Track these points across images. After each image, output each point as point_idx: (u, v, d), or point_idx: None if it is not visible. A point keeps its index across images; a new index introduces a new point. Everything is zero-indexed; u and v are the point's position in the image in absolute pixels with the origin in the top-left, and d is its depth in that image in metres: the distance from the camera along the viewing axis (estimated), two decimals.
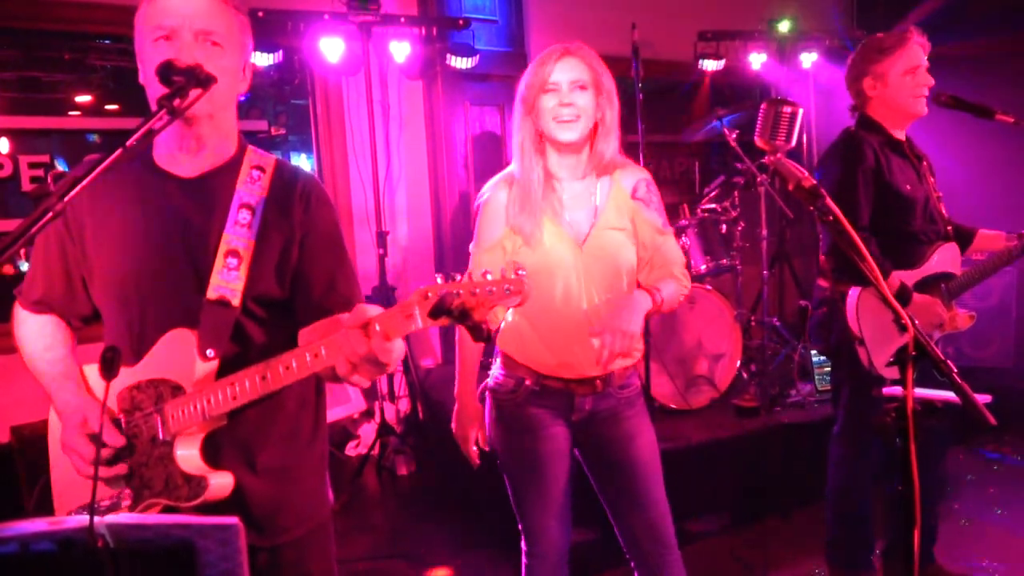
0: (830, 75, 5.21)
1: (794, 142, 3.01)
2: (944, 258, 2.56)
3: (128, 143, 1.15)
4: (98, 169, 1.13)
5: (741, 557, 3.12)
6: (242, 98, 1.55)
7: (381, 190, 4.33)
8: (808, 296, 4.21)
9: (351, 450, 4.28)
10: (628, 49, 3.85)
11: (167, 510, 1.38)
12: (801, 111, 2.98)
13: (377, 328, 1.16)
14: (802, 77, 5.45)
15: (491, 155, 4.75)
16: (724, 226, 4.18)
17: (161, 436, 1.38)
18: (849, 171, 2.46)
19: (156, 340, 1.41)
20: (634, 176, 1.99)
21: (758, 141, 3.03)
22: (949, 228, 2.61)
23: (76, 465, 1.42)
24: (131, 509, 1.42)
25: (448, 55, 4.38)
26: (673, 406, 3.67)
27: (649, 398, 3.31)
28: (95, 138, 4.27)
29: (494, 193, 1.94)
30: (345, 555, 3.09)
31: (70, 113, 4.24)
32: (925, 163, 2.63)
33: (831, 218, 1.42)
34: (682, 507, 2.02)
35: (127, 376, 1.42)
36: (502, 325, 1.97)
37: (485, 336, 1.14)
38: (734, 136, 4.13)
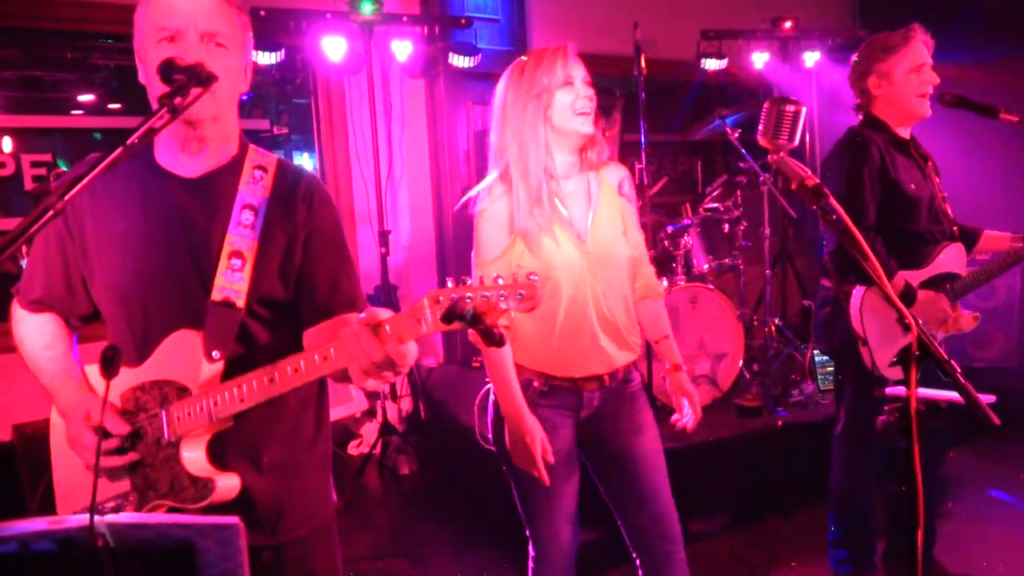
0: (833, 74, 5.21)
1: (797, 141, 2.99)
2: (950, 258, 2.55)
3: (129, 141, 1.14)
4: (99, 168, 1.12)
5: (742, 557, 3.11)
6: (244, 97, 1.54)
7: (383, 189, 4.33)
8: (810, 295, 4.20)
9: (353, 449, 4.28)
10: (630, 48, 3.85)
11: (172, 512, 1.38)
12: (804, 110, 2.97)
13: (388, 330, 1.15)
14: (805, 76, 5.44)
15: None
16: (727, 225, 4.18)
17: (167, 437, 1.37)
18: (855, 170, 2.45)
19: (159, 341, 1.40)
20: (618, 173, 2.02)
21: (761, 140, 3.01)
22: (955, 228, 2.60)
23: (84, 458, 1.42)
24: (136, 511, 1.41)
25: (450, 54, 4.38)
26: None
27: (651, 396, 3.30)
28: (98, 137, 4.28)
29: (493, 203, 1.89)
30: (347, 554, 3.07)
31: (72, 112, 4.24)
32: (930, 163, 2.62)
33: (834, 217, 1.41)
34: (683, 506, 2.02)
35: (131, 377, 1.42)
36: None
37: (498, 340, 1.12)
38: (736, 135, 4.12)
